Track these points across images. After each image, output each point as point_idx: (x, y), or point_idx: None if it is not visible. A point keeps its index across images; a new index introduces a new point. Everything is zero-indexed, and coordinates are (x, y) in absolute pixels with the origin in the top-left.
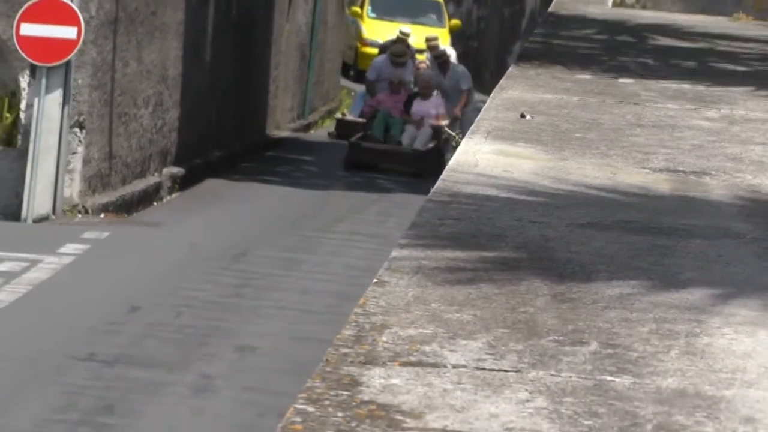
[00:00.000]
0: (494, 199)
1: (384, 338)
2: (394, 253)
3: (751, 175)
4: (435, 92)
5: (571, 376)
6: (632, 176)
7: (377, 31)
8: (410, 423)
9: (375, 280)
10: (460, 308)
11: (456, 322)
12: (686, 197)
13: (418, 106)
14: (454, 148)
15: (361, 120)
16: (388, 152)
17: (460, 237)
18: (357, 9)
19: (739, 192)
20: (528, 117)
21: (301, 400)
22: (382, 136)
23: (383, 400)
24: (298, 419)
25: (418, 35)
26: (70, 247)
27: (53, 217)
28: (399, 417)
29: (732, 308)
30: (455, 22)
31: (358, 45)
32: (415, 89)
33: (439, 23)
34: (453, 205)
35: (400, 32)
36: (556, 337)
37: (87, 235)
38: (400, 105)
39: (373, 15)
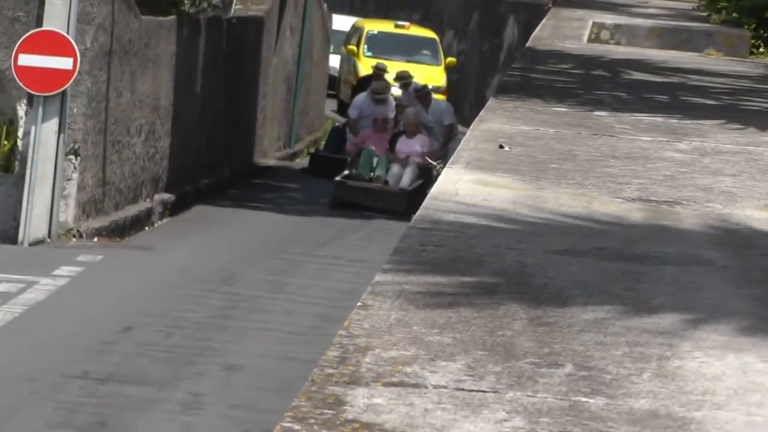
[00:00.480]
0: (473, 227)
1: (367, 359)
2: (378, 277)
3: (721, 205)
4: (421, 131)
5: (547, 397)
6: (606, 205)
7: (371, 69)
8: None
9: (359, 304)
10: (441, 331)
11: (436, 345)
12: (658, 226)
13: (404, 145)
14: None
15: (336, 156)
16: (374, 191)
17: (440, 262)
18: (353, 47)
19: (710, 221)
20: (506, 148)
21: (287, 419)
22: (368, 175)
23: (367, 419)
24: None
25: (414, 73)
26: (65, 270)
27: (49, 240)
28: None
29: (702, 333)
30: (450, 59)
31: (354, 83)
32: (401, 128)
33: (435, 61)
34: (434, 232)
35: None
36: (533, 360)
37: (81, 258)
38: (385, 143)
39: (369, 54)
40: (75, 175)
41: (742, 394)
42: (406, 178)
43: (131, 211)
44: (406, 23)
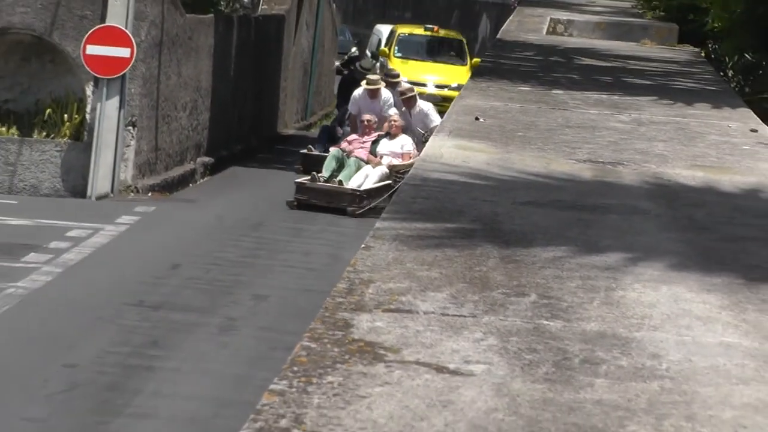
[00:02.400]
0: (455, 183)
1: (370, 290)
2: (378, 224)
3: (654, 165)
4: (404, 132)
5: (515, 321)
6: (562, 165)
7: (402, 70)
8: (390, 356)
9: (363, 246)
10: (429, 267)
11: (426, 278)
12: (604, 182)
13: (384, 146)
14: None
15: (326, 154)
16: (328, 192)
17: (428, 212)
18: (385, 50)
19: (646, 178)
20: (481, 119)
21: (305, 339)
22: (329, 176)
23: (369, 339)
24: (303, 353)
25: (441, 73)
26: (125, 219)
27: (111, 195)
28: (382, 352)
29: (640, 268)
30: (476, 59)
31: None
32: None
33: (461, 61)
34: (423, 187)
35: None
36: (504, 290)
37: (138, 209)
38: (368, 144)
39: (399, 54)
40: (133, 143)
41: (673, 319)
42: (371, 178)
43: (178, 171)
44: (435, 26)
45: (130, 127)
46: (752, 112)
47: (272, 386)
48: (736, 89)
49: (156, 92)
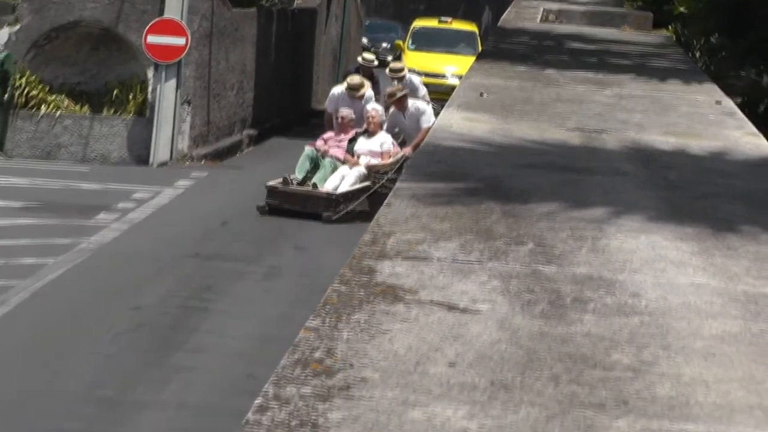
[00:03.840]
0: (463, 149)
1: (391, 241)
2: (397, 185)
3: (633, 133)
4: (383, 129)
5: (515, 266)
6: (554, 134)
7: (416, 60)
8: (409, 297)
9: (385, 203)
10: (441, 221)
11: (438, 230)
12: (590, 147)
13: (362, 144)
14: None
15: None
16: (301, 196)
17: (440, 174)
18: (400, 42)
19: (626, 144)
20: (484, 95)
21: (337, 282)
22: (302, 178)
23: (391, 282)
24: (334, 295)
25: (453, 63)
26: (182, 182)
27: (170, 162)
28: (401, 293)
29: (622, 221)
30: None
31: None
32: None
33: (472, 51)
34: (436, 153)
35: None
36: (505, 240)
37: (193, 174)
38: (345, 143)
39: (413, 47)
40: (188, 118)
41: (650, 263)
42: (348, 180)
43: (226, 142)
44: (449, 18)
45: (186, 105)
46: (717, 87)
47: (308, 323)
48: (703, 68)
49: (207, 75)
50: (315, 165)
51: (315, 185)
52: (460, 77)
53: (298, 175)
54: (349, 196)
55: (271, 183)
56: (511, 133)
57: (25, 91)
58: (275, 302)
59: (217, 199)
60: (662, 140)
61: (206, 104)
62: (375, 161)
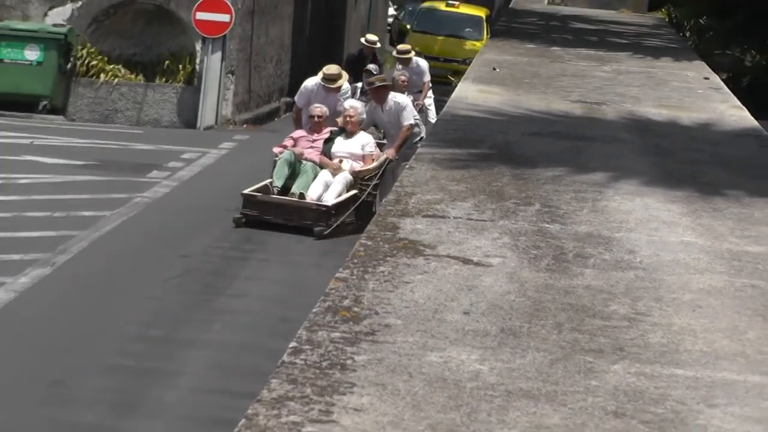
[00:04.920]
0: (477, 118)
1: (412, 200)
2: (419, 150)
3: (630, 105)
4: (361, 129)
5: (524, 224)
6: (559, 105)
7: (417, 42)
8: (428, 251)
9: (407, 166)
10: (458, 183)
11: (455, 191)
12: (591, 117)
13: (340, 146)
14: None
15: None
16: (285, 207)
17: (457, 140)
18: (404, 25)
19: (624, 114)
20: (497, 70)
21: (364, 238)
22: (282, 185)
23: (412, 238)
24: (361, 249)
25: (454, 48)
26: (226, 144)
27: (215, 126)
28: (421, 248)
29: (619, 184)
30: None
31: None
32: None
33: (477, 36)
34: (453, 122)
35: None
36: (515, 201)
37: (236, 137)
38: (320, 144)
39: (417, 28)
40: (231, 87)
41: (645, 223)
42: (334, 188)
43: (266, 108)
44: (457, 2)
45: (230, 75)
46: (705, 64)
47: (337, 274)
48: (692, 46)
49: (249, 48)
50: (293, 170)
51: (303, 195)
52: (460, 62)
53: (277, 181)
54: (339, 207)
55: (248, 191)
56: (520, 104)
57: (86, 61)
58: (308, 252)
59: (257, 160)
60: (656, 112)
61: (248, 74)
62: (357, 165)
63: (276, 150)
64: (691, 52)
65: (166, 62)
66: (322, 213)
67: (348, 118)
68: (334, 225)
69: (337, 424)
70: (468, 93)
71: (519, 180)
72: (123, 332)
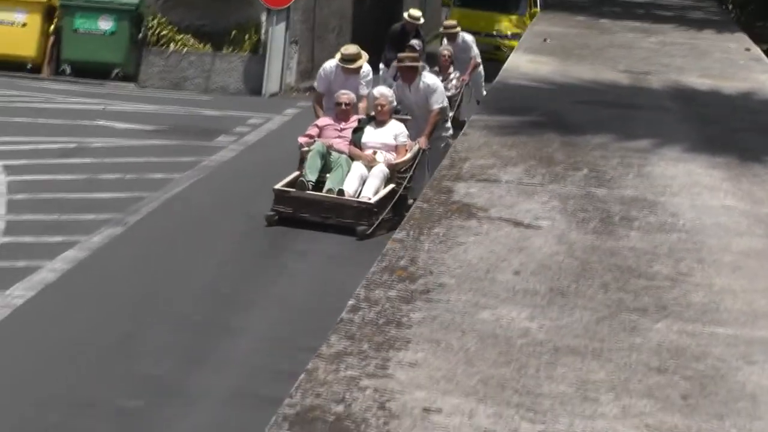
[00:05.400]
0: (529, 87)
1: (466, 165)
2: (472, 117)
3: (674, 75)
4: (392, 115)
5: (572, 188)
6: (607, 74)
7: (459, 17)
8: (481, 214)
9: (462, 133)
10: (509, 149)
11: (507, 157)
12: (638, 87)
13: (371, 135)
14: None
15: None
16: (323, 204)
17: (509, 108)
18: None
19: (668, 84)
20: (547, 41)
21: (420, 200)
22: (315, 177)
23: (465, 201)
24: (417, 212)
25: (497, 22)
26: (289, 111)
27: (279, 94)
28: (474, 210)
29: (664, 150)
30: (536, 10)
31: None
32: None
33: (521, 11)
34: (505, 91)
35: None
36: (564, 166)
37: (299, 104)
38: (348, 134)
39: (458, 3)
40: (295, 56)
41: (687, 188)
42: (372, 183)
43: None
44: None
45: (293, 45)
46: (746, 36)
47: (395, 236)
48: (734, 19)
49: (312, 19)
50: (325, 162)
51: (342, 191)
52: (502, 36)
53: (310, 175)
54: (381, 203)
55: (279, 185)
56: (569, 74)
57: (157, 31)
58: None
59: None
60: (699, 81)
61: (310, 44)
62: (391, 157)
63: (302, 140)
64: (732, 25)
65: (233, 32)
66: (364, 210)
67: (380, 107)
68: (377, 223)
69: (392, 379)
70: (520, 63)
71: (568, 146)
72: (191, 288)
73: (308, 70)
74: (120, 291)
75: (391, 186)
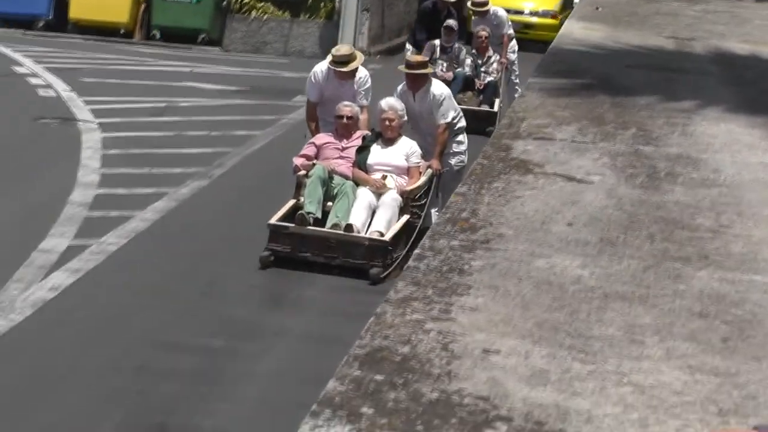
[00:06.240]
0: (581, 52)
1: (523, 125)
2: (529, 80)
3: (716, 41)
4: (401, 133)
5: (621, 146)
6: (654, 40)
7: None
8: (537, 170)
9: (517, 95)
10: (563, 109)
11: (561, 117)
12: (682, 52)
13: (379, 156)
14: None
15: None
16: (326, 241)
17: (564, 71)
18: None
19: (710, 49)
20: (599, 9)
21: (479, 158)
22: (319, 210)
23: (523, 157)
24: (478, 167)
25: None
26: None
27: None
28: (531, 166)
29: (706, 111)
30: None
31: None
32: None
33: None
34: (559, 55)
35: None
36: (614, 125)
37: (370, 66)
38: (351, 153)
39: None
40: (366, 22)
41: (728, 145)
42: (383, 214)
43: (396, 42)
44: None
45: (365, 12)
46: None
47: (457, 190)
48: None
49: None
50: (327, 189)
51: (350, 226)
52: (536, 13)
53: (310, 206)
54: (397, 238)
55: (275, 219)
56: (619, 40)
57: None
58: None
59: (392, 85)
60: (739, 47)
61: (381, 12)
62: (402, 181)
63: (297, 162)
64: None
65: (309, 0)
66: (379, 249)
67: (387, 122)
68: (395, 264)
69: (455, 322)
70: (573, 29)
71: (617, 107)
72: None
73: (378, 36)
74: (205, 238)
75: (405, 217)
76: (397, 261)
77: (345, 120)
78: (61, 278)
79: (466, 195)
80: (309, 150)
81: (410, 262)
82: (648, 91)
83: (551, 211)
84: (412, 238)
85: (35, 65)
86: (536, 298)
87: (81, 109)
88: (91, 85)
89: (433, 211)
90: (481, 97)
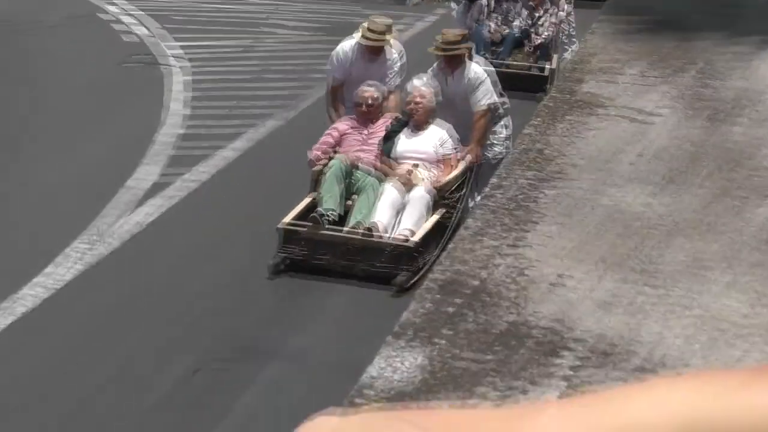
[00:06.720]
0: None
1: (594, 60)
2: (593, 25)
3: None
4: (433, 119)
5: (687, 82)
6: None
7: None
8: (607, 104)
9: (588, 31)
10: (630, 49)
11: (626, 56)
12: None
13: (407, 144)
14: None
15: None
16: (345, 245)
17: (631, 9)
18: None
19: None
20: None
21: (546, 100)
22: (339, 206)
23: (593, 92)
24: (544, 109)
25: None
26: (429, 18)
27: (421, 2)
28: (599, 103)
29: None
30: None
31: None
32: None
33: None
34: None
35: None
36: (680, 63)
37: (437, 11)
38: (376, 142)
39: None
40: None
41: None
42: (412, 212)
43: None
44: None
45: None
46: None
47: (530, 122)
48: None
49: None
50: (347, 184)
51: (370, 229)
52: None
53: (328, 203)
54: (426, 240)
55: (288, 221)
56: None
57: None
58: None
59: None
60: None
61: None
62: (434, 171)
63: (313, 155)
64: None
65: None
66: (403, 253)
67: (415, 105)
68: (423, 270)
69: (529, 249)
70: None
71: (683, 44)
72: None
73: None
74: (277, 180)
75: (436, 216)
76: (428, 266)
77: (365, 106)
78: (153, 208)
79: (539, 128)
80: (327, 137)
81: (487, 190)
82: (714, 29)
83: (617, 148)
84: (446, 238)
85: (127, 3)
86: (605, 227)
87: (163, 55)
88: (174, 29)
89: (470, 204)
90: (531, 59)
